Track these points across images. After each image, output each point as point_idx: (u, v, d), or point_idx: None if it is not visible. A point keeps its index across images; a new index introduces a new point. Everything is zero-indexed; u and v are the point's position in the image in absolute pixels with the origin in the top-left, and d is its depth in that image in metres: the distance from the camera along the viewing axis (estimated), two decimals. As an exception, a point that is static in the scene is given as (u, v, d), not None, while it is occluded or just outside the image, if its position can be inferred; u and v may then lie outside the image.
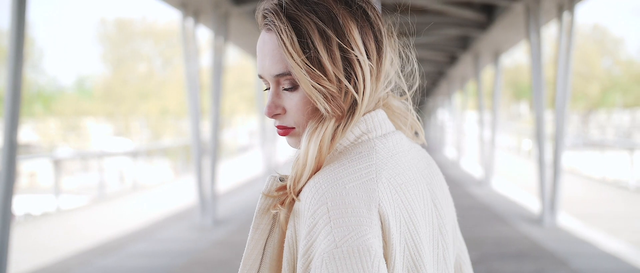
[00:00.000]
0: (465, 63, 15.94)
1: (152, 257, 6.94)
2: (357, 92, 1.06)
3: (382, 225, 0.98)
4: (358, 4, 1.09)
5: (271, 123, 15.44)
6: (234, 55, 35.31)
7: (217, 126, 9.08)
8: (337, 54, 1.04)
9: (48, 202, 12.41)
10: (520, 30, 10.21)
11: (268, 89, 1.13)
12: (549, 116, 8.78)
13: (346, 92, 1.06)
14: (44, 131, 38.52)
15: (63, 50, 68.89)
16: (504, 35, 11.21)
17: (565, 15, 8.21)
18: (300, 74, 1.04)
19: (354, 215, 0.96)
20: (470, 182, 14.15)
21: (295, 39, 1.03)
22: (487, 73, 18.34)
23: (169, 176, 21.13)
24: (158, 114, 38.90)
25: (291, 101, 1.08)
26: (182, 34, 8.72)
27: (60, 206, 11.67)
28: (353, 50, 1.05)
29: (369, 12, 1.10)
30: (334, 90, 1.05)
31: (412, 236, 1.05)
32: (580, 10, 10.04)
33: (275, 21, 1.05)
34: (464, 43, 13.71)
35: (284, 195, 1.05)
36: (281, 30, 1.04)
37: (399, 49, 1.18)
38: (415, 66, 1.21)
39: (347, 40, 1.05)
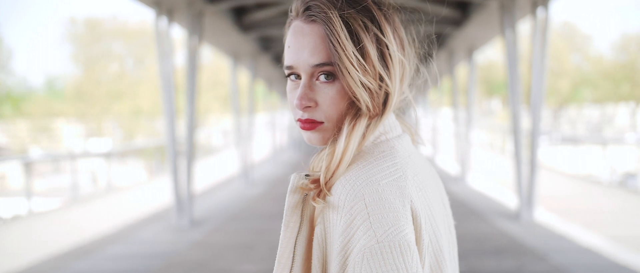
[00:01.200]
0: (439, 60, 16.00)
1: (128, 259, 6.83)
2: (390, 91, 1.10)
3: (414, 221, 1.01)
4: (390, 10, 1.13)
5: (246, 122, 15.38)
6: (206, 54, 35.12)
7: (192, 126, 8.98)
8: (377, 51, 1.08)
9: (19, 205, 12.18)
10: (495, 26, 10.25)
11: (290, 74, 1.12)
12: (522, 112, 8.81)
13: (380, 89, 1.10)
14: (14, 133, 37.94)
15: (32, 50, 67.94)
16: (478, 31, 11.25)
17: (540, 11, 8.24)
18: (348, 67, 1.05)
19: (391, 210, 0.98)
20: (446, 179, 14.19)
21: (346, 32, 1.05)
22: (461, 70, 18.42)
23: (143, 177, 20.91)
24: (131, 115, 38.52)
25: (326, 94, 1.09)
26: (156, 33, 8.59)
27: (32, 209, 11.47)
28: (391, 50, 1.09)
29: (396, 19, 1.14)
30: (375, 87, 1.08)
31: (434, 233, 1.08)
32: (553, 7, 10.18)
33: (327, 12, 1.06)
34: (438, 40, 13.73)
35: (317, 188, 1.06)
36: (333, 22, 1.05)
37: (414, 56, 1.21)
38: (426, 73, 1.25)
39: (388, 41, 1.09)
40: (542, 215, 8.76)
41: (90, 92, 38.03)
